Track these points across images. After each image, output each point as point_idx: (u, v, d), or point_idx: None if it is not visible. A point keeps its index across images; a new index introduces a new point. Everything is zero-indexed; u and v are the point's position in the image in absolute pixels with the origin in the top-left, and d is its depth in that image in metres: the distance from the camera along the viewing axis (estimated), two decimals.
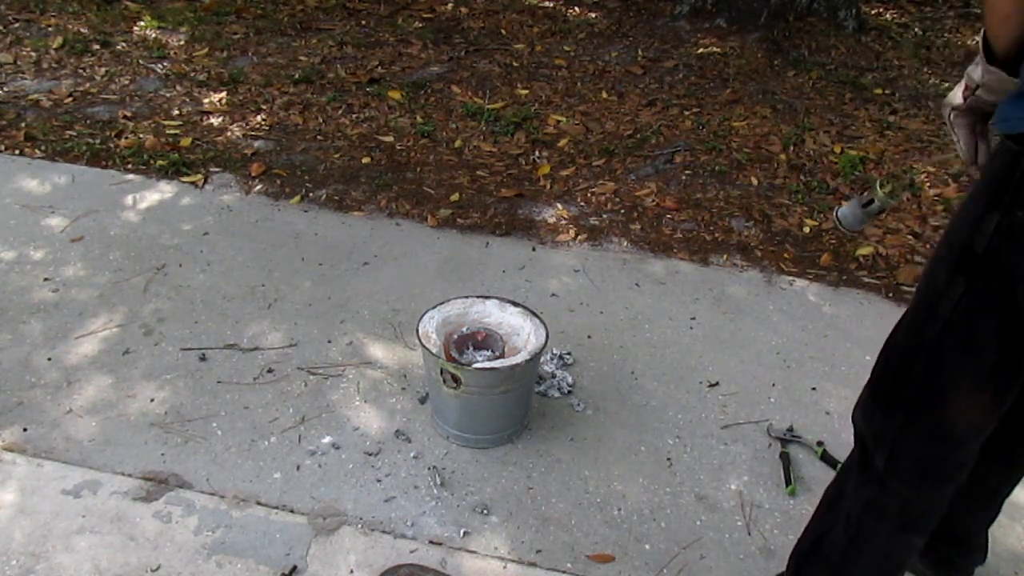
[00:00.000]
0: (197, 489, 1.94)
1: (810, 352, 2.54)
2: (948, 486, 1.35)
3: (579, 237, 3.06)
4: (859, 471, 1.42)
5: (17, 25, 4.65)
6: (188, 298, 2.60)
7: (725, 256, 3.00)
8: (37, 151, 3.42)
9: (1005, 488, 1.59)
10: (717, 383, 2.39)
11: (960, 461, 1.32)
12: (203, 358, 2.36)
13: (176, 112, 3.85)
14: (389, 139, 3.71)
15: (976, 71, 1.23)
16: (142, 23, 4.82)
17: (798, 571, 1.59)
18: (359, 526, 1.87)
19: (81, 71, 4.18)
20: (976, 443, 1.31)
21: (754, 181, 3.51)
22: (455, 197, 3.28)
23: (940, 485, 1.34)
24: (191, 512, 1.87)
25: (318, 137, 3.71)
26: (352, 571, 1.76)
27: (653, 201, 3.32)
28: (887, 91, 4.44)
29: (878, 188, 1.45)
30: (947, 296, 1.20)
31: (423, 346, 2.01)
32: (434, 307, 2.15)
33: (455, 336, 2.11)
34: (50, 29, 4.63)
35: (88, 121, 3.69)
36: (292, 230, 3.00)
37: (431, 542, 1.85)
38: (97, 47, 4.45)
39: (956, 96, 1.29)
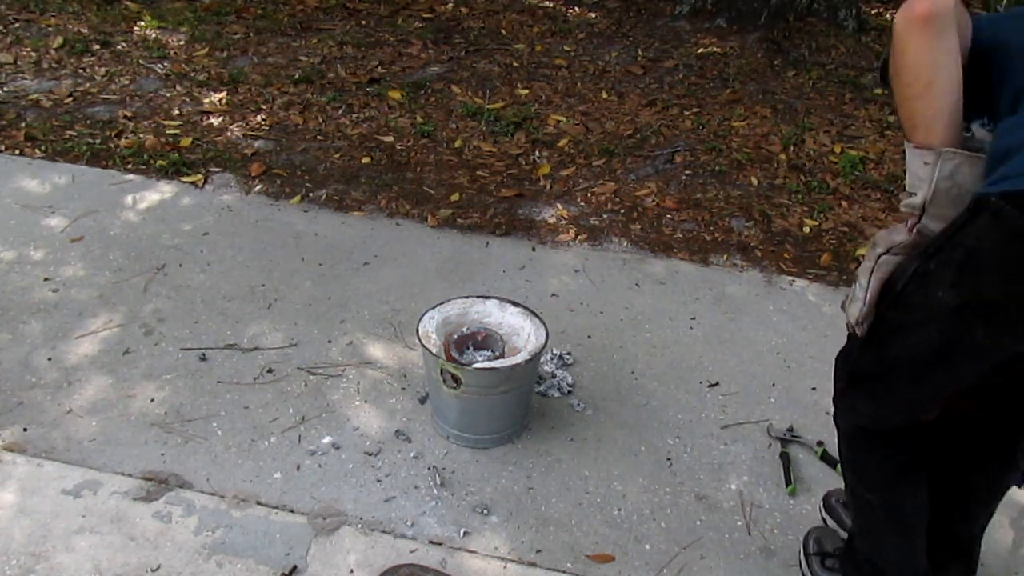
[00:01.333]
0: (197, 489, 1.94)
1: (810, 352, 2.54)
2: (876, 454, 1.53)
3: (579, 237, 3.06)
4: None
5: (17, 25, 4.65)
6: (188, 298, 2.60)
7: (725, 256, 3.00)
8: (37, 151, 3.41)
9: (1001, 487, 1.59)
10: (717, 383, 2.39)
11: (880, 441, 1.52)
12: (203, 358, 2.36)
13: (176, 112, 3.85)
14: (389, 139, 3.71)
15: (921, 187, 1.25)
16: (142, 23, 4.81)
17: None
18: (359, 526, 1.87)
19: (81, 71, 4.18)
20: (890, 429, 1.50)
21: (754, 181, 3.51)
22: (455, 197, 3.28)
23: (867, 453, 1.55)
24: (191, 512, 1.87)
25: (318, 137, 3.71)
26: (352, 571, 1.76)
27: (653, 201, 3.32)
28: (887, 91, 4.43)
29: None
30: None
31: (423, 346, 2.02)
32: (434, 307, 2.15)
33: (455, 336, 2.11)
34: (50, 29, 4.63)
35: (88, 121, 3.69)
36: (292, 230, 3.00)
37: (431, 542, 1.85)
38: (97, 47, 4.44)
39: (894, 234, 1.31)
